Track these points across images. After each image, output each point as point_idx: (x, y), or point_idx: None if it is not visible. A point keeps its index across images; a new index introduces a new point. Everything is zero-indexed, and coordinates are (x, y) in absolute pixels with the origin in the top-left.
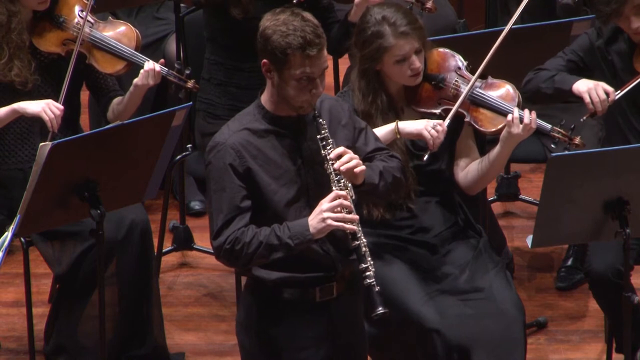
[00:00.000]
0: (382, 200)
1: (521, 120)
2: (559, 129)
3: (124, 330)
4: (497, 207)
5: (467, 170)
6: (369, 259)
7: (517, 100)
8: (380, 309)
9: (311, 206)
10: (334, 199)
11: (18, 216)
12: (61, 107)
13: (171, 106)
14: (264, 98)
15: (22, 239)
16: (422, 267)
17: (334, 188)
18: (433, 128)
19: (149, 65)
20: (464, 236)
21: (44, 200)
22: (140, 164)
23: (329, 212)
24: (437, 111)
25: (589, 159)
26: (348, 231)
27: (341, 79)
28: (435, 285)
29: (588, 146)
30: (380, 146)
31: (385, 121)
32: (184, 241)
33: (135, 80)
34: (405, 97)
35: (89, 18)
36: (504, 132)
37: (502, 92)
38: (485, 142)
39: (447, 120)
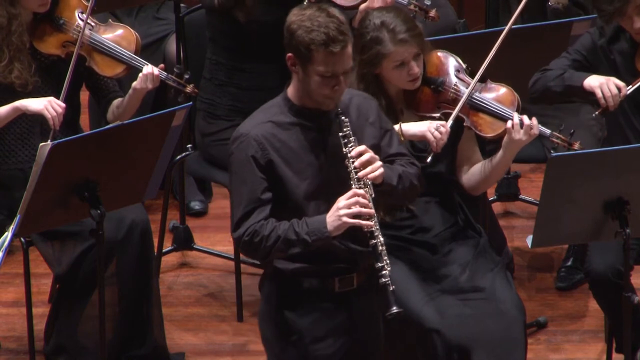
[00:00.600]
0: (396, 204)
1: (521, 125)
2: (558, 134)
3: (124, 330)
4: (497, 207)
5: (471, 172)
6: (386, 258)
7: (516, 104)
8: (394, 308)
9: (330, 202)
10: (351, 196)
11: (18, 216)
12: (63, 104)
13: (171, 107)
14: (290, 91)
15: (22, 239)
16: (422, 267)
17: (353, 186)
18: (436, 129)
19: (148, 69)
20: (464, 236)
21: (44, 200)
22: (140, 164)
23: (345, 209)
24: (437, 115)
25: (589, 159)
26: (365, 229)
27: None
28: (435, 286)
29: (587, 146)
30: (402, 151)
31: None
32: (184, 241)
33: (134, 84)
34: (404, 100)
35: (89, 21)
36: (505, 139)
37: (501, 96)
38: (485, 142)
39: (450, 121)
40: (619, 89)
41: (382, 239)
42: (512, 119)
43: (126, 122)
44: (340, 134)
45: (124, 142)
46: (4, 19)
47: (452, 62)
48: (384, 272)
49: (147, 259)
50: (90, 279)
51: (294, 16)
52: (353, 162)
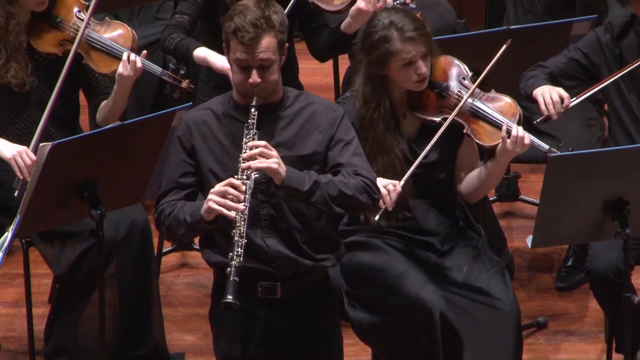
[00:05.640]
0: (334, 212)
1: (510, 134)
2: (555, 150)
3: (124, 331)
4: (497, 207)
5: (467, 180)
6: (239, 251)
7: (518, 116)
8: (229, 297)
9: (254, 197)
10: (225, 184)
11: (18, 216)
12: (34, 157)
13: (171, 106)
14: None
15: (22, 239)
16: (421, 265)
17: (235, 175)
18: (385, 187)
19: (124, 56)
20: (463, 236)
21: (44, 200)
22: (140, 164)
23: (214, 195)
24: (437, 119)
25: (589, 159)
26: (228, 218)
27: (341, 79)
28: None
29: (586, 146)
30: (352, 162)
31: (386, 128)
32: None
33: (118, 69)
34: (407, 102)
35: (85, 18)
36: (499, 147)
37: (503, 107)
38: (484, 151)
39: (402, 182)
40: (561, 98)
41: (243, 231)
42: (508, 128)
43: (126, 122)
44: (246, 124)
45: (124, 142)
46: (1, 18)
47: (458, 68)
48: (232, 262)
49: (147, 259)
50: (90, 279)
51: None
52: (245, 152)
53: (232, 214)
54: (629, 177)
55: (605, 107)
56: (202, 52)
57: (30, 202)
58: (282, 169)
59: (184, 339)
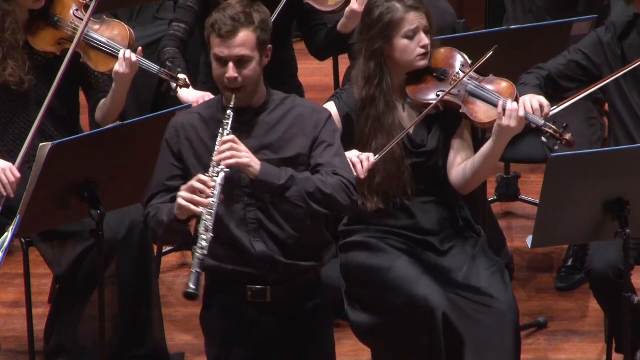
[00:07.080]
0: (312, 210)
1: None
2: (550, 125)
3: (124, 331)
4: (497, 207)
5: (460, 167)
6: (204, 244)
7: (514, 96)
8: (192, 288)
9: (234, 199)
10: (194, 181)
11: (18, 216)
12: (18, 175)
13: (171, 106)
14: None
15: (22, 239)
16: (422, 264)
17: (209, 172)
18: (358, 157)
19: (120, 53)
20: (463, 236)
21: (44, 200)
22: (141, 164)
23: (183, 192)
24: (434, 101)
25: (589, 159)
26: (196, 214)
27: (341, 78)
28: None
29: (586, 146)
30: (332, 163)
31: (388, 106)
32: (183, 241)
33: (115, 67)
34: (405, 85)
35: (83, 17)
36: (495, 126)
37: (501, 87)
38: (481, 144)
39: (378, 156)
40: (541, 106)
41: (209, 227)
42: (504, 105)
43: (126, 122)
44: (222, 125)
45: (124, 142)
46: None
47: (458, 57)
48: (195, 254)
49: (147, 259)
50: (90, 279)
51: None
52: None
53: (200, 209)
54: (629, 177)
55: (606, 107)
56: None
57: (30, 202)
58: (255, 163)
59: (184, 339)
